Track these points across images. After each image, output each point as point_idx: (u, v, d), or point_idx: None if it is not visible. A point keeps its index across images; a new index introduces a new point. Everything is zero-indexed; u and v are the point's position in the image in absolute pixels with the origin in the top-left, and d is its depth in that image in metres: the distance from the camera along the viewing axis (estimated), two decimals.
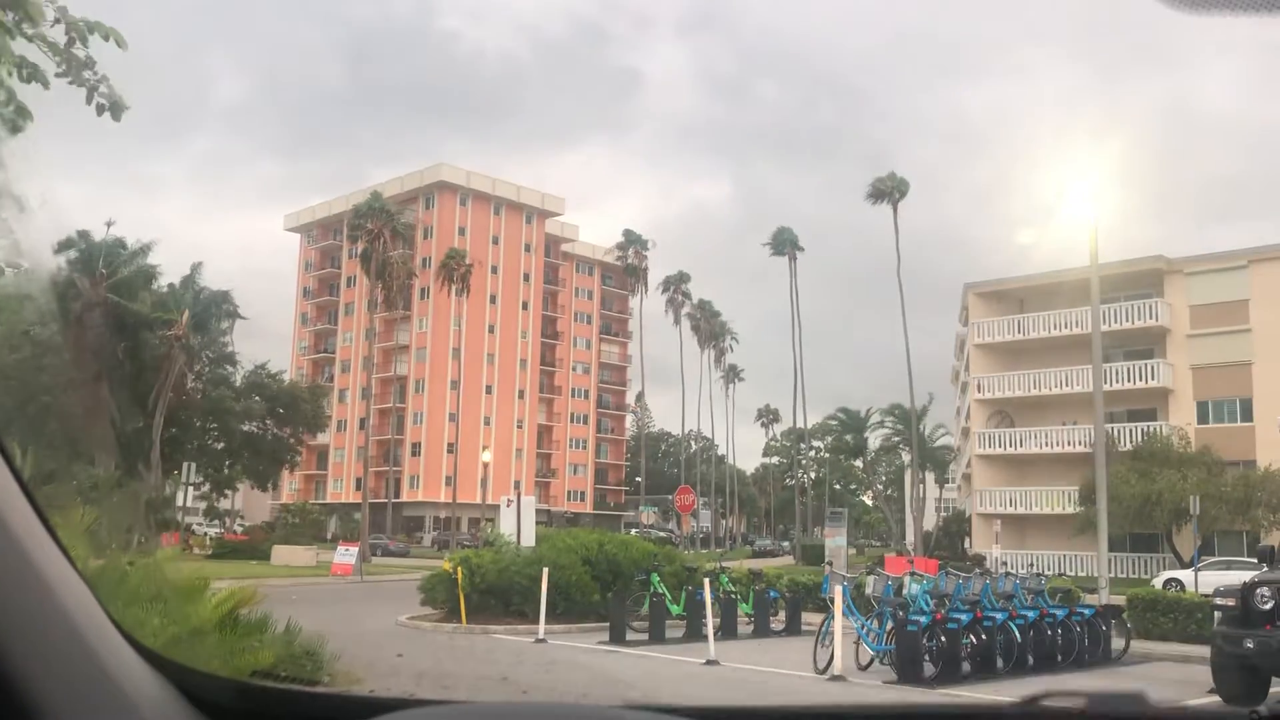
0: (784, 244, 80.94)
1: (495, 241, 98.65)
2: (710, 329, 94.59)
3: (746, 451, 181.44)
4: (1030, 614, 16.15)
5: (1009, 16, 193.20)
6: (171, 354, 44.08)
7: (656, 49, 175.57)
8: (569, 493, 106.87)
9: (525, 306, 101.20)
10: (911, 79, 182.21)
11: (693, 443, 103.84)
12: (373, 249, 61.17)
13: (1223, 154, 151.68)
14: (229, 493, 62.14)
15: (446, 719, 1.08)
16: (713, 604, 17.77)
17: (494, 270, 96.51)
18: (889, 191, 66.06)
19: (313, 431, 65.46)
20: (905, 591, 15.86)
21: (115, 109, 5.38)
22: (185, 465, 46.69)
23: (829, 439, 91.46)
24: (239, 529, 61.84)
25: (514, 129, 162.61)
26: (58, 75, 5.27)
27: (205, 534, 54.81)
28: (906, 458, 78.90)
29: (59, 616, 1.34)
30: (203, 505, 62.34)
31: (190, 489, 43.21)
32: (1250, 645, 12.31)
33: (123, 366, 42.19)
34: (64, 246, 40.91)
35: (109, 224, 45.44)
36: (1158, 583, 34.57)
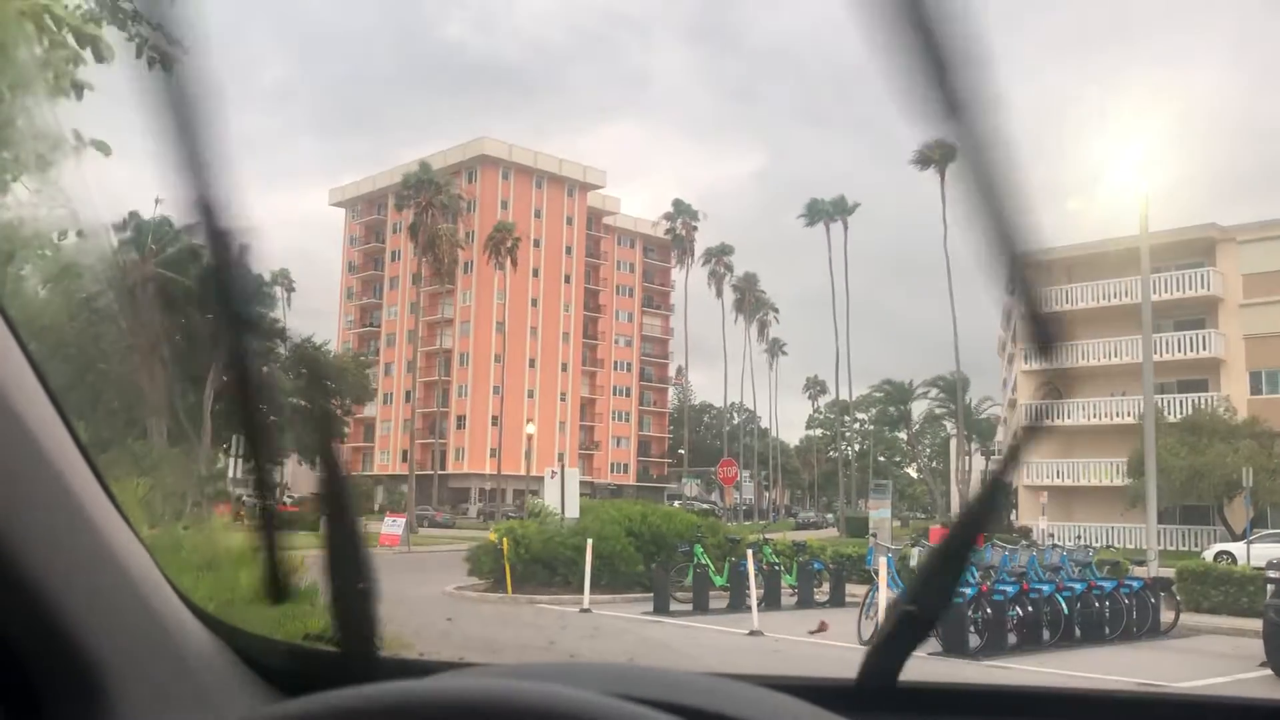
0: (819, 214, 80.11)
1: (537, 215, 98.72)
2: (754, 301, 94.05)
3: (790, 424, 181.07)
4: (1077, 586, 16.01)
5: None
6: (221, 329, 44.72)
7: (681, 33, 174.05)
8: (612, 465, 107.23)
9: (568, 279, 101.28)
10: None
11: (735, 415, 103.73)
12: (420, 221, 61.09)
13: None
14: (278, 465, 63.06)
15: (502, 677, 1.10)
16: (756, 575, 17.81)
17: (536, 244, 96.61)
18: (935, 158, 65.09)
19: (359, 403, 66.09)
20: None
21: (166, 60, 5.40)
22: (235, 438, 47.37)
23: (873, 411, 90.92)
24: (288, 500, 62.75)
25: (554, 104, 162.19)
26: (102, 22, 5.27)
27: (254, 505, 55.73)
28: (951, 429, 78.28)
29: (119, 576, 1.38)
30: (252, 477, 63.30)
31: (240, 461, 43.93)
32: None
33: (174, 341, 42.81)
34: (116, 222, 41.43)
35: (157, 201, 45.91)
36: (1208, 555, 34.11)
